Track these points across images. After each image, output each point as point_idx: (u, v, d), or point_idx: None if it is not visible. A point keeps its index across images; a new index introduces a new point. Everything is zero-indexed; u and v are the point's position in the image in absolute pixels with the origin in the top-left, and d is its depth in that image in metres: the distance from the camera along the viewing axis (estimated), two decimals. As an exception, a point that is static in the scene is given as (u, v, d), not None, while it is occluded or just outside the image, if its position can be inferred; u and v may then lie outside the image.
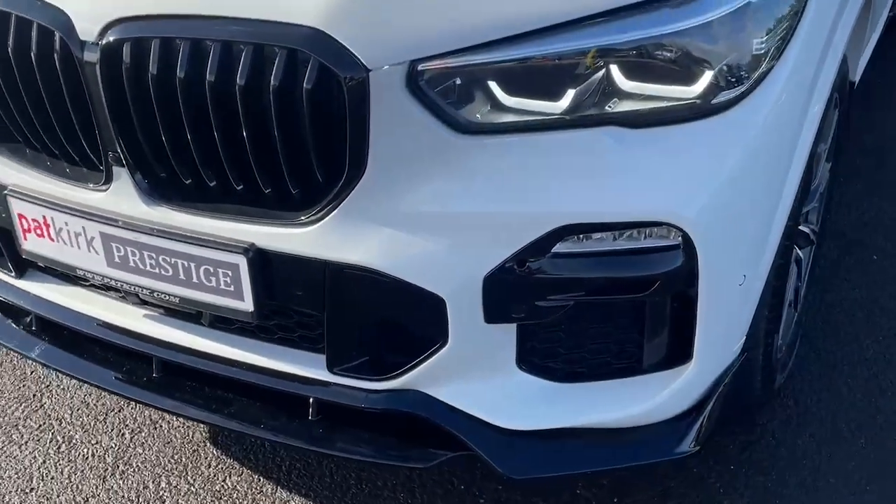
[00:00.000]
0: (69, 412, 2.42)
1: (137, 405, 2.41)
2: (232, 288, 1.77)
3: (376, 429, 1.89)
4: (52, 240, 1.93)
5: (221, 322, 1.94)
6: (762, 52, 1.66)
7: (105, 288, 2.06)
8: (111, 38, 1.66)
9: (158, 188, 1.79)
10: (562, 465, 1.82)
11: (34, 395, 2.48)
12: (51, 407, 2.45)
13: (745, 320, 1.87)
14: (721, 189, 1.65)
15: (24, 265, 2.12)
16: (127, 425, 2.37)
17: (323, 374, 1.85)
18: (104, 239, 1.85)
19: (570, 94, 1.59)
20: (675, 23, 1.58)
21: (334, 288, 1.72)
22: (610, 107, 1.62)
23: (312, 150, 1.62)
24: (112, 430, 2.36)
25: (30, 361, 2.48)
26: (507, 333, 1.75)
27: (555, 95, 1.61)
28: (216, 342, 1.95)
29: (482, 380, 1.80)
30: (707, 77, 1.60)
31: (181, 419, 2.35)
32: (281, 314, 1.82)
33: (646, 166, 1.62)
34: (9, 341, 2.19)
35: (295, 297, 1.77)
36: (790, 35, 1.72)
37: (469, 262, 1.66)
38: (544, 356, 1.80)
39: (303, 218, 1.69)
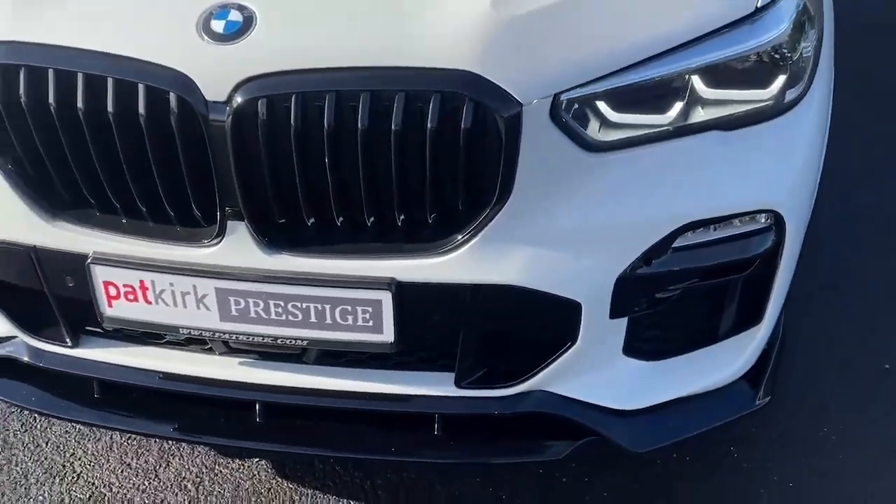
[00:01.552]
0: (114, 476, 2.34)
1: (181, 455, 2.37)
2: (371, 323, 1.82)
3: (496, 432, 2.03)
4: (150, 302, 1.88)
5: (328, 357, 1.99)
6: (809, 54, 1.93)
7: (187, 342, 2.04)
8: (245, 97, 1.66)
9: (276, 237, 1.81)
10: (673, 432, 2.04)
11: (64, 466, 2.37)
12: (90, 475, 2.34)
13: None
14: (798, 173, 1.91)
15: (80, 333, 2.05)
16: (185, 477, 2.33)
17: (451, 391, 1.95)
18: (219, 294, 1.83)
19: (677, 106, 1.78)
20: (756, 38, 1.81)
21: (473, 309, 1.82)
22: (700, 114, 1.83)
23: (462, 182, 1.71)
24: (172, 486, 2.31)
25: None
26: (620, 325, 1.93)
27: (659, 109, 1.79)
28: (325, 377, 1.99)
29: (595, 370, 1.97)
30: (780, 80, 1.85)
31: (236, 459, 2.35)
32: (413, 341, 1.90)
33: (743, 162, 1.85)
34: (81, 416, 2.12)
35: (432, 323, 1.85)
36: (821, 37, 2.00)
37: (602, 267, 1.82)
38: (644, 340, 2.00)
39: (444, 247, 1.78)
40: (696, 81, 1.80)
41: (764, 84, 1.85)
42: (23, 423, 2.49)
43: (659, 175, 1.81)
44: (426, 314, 1.83)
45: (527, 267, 1.79)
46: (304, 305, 1.82)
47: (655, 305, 1.91)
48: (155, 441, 2.41)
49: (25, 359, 2.09)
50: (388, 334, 1.83)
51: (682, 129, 1.81)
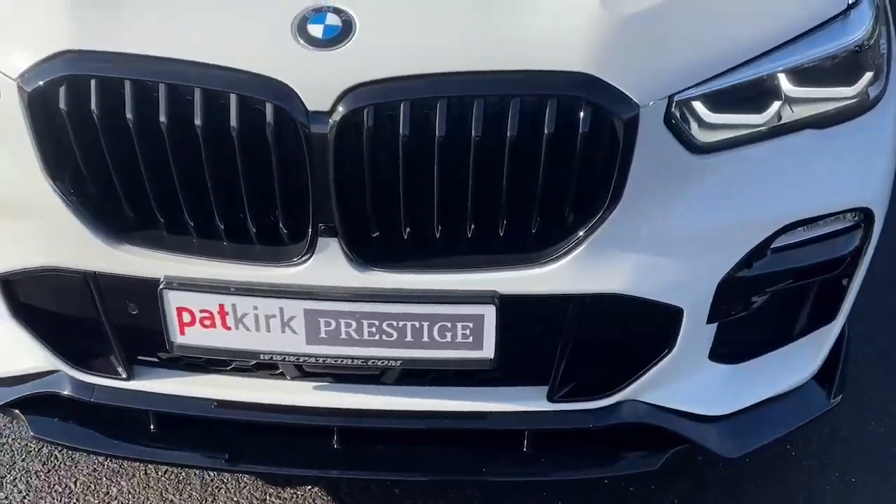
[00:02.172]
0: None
1: (227, 487, 2.23)
2: (471, 339, 1.73)
3: (583, 446, 1.97)
4: (228, 328, 1.75)
5: (410, 376, 1.89)
6: (884, 50, 1.93)
7: (255, 368, 1.92)
8: (350, 106, 1.55)
9: (369, 253, 1.71)
10: (760, 436, 2.01)
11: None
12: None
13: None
14: (884, 169, 1.91)
15: (133, 364, 1.91)
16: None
17: (544, 405, 1.88)
18: (309, 316, 1.72)
19: (774, 106, 1.75)
20: (847, 36, 1.78)
21: (575, 319, 1.76)
22: (792, 113, 1.80)
23: (573, 189, 1.64)
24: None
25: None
26: (710, 330, 1.89)
27: (754, 109, 1.75)
28: (407, 397, 1.89)
29: (684, 377, 1.92)
30: (866, 77, 1.84)
31: (287, 488, 2.22)
32: (512, 356, 1.81)
33: (837, 160, 1.83)
34: (135, 453, 1.98)
35: (533, 336, 1.78)
36: (892, 34, 2.00)
37: (705, 271, 1.77)
38: (726, 344, 1.96)
39: (548, 256, 1.70)
40: (784, 80, 1.77)
41: (850, 81, 1.83)
42: (44, 463, 2.31)
43: (760, 175, 1.77)
44: (528, 328, 1.76)
45: (631, 274, 1.73)
46: (401, 324, 1.72)
47: (748, 308, 1.88)
48: (195, 474, 2.26)
49: (69, 394, 1.94)
50: (487, 350, 1.74)
51: (777, 129, 1.77)
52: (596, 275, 1.72)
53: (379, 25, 1.60)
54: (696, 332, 1.85)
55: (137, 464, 2.28)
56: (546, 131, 1.57)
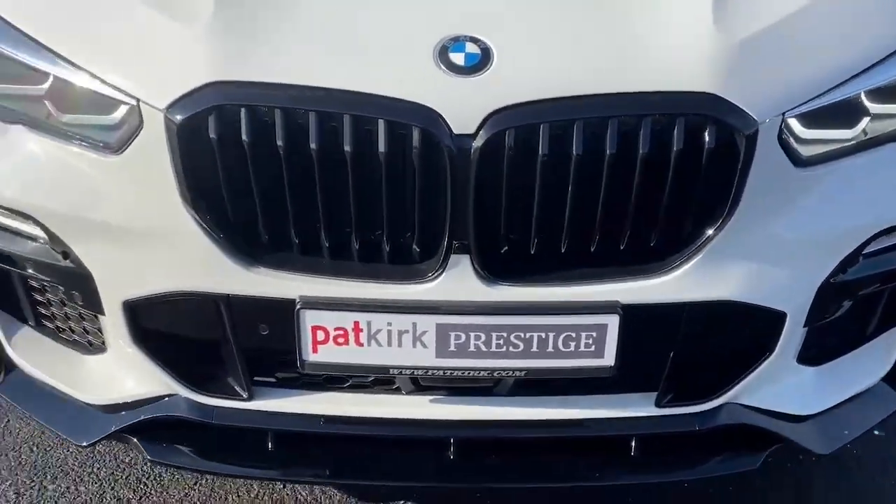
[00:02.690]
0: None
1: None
2: (593, 348, 1.82)
3: (684, 449, 2.06)
4: (361, 344, 1.81)
5: (522, 387, 1.97)
6: None
7: (372, 384, 1.98)
8: (493, 128, 1.64)
9: (498, 268, 1.78)
10: (850, 430, 2.11)
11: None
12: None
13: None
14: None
15: (252, 385, 1.96)
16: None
17: (651, 410, 1.97)
18: (440, 330, 1.79)
19: (863, 122, 1.87)
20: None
21: (689, 326, 1.85)
22: (875, 127, 1.93)
23: (695, 202, 1.75)
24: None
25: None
26: (801, 335, 2.01)
27: (846, 124, 1.88)
28: (520, 407, 1.97)
29: (776, 379, 2.03)
30: None
31: None
32: (629, 363, 1.90)
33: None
34: (256, 472, 2.03)
35: (650, 343, 1.87)
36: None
37: (807, 277, 1.89)
38: (811, 346, 2.08)
39: (666, 267, 1.80)
40: (869, 97, 1.89)
41: None
42: (134, 490, 2.34)
43: (854, 186, 1.89)
44: (644, 336, 1.84)
45: (742, 282, 1.83)
46: (528, 335, 1.80)
47: (837, 311, 2.00)
48: (288, 495, 2.31)
49: (187, 417, 1.98)
50: (608, 358, 1.83)
51: (865, 143, 1.90)
52: (710, 283, 1.82)
53: (514, 52, 1.69)
54: (792, 336, 1.96)
55: (226, 488, 2.32)
56: (675, 148, 1.68)
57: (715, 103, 1.68)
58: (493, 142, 1.65)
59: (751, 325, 1.90)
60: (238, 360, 1.90)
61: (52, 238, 1.89)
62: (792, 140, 1.79)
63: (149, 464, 2.38)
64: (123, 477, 2.36)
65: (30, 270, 1.97)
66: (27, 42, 1.84)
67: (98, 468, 2.39)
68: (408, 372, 1.85)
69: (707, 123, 1.68)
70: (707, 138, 1.68)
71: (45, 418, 2.13)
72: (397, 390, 1.99)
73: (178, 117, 1.68)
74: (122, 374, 2.03)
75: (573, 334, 1.81)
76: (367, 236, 1.77)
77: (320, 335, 1.81)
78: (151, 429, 2.02)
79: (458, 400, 1.97)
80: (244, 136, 1.67)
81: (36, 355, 2.13)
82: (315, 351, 1.82)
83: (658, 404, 1.96)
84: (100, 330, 2.05)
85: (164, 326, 1.92)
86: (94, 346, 2.09)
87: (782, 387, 2.05)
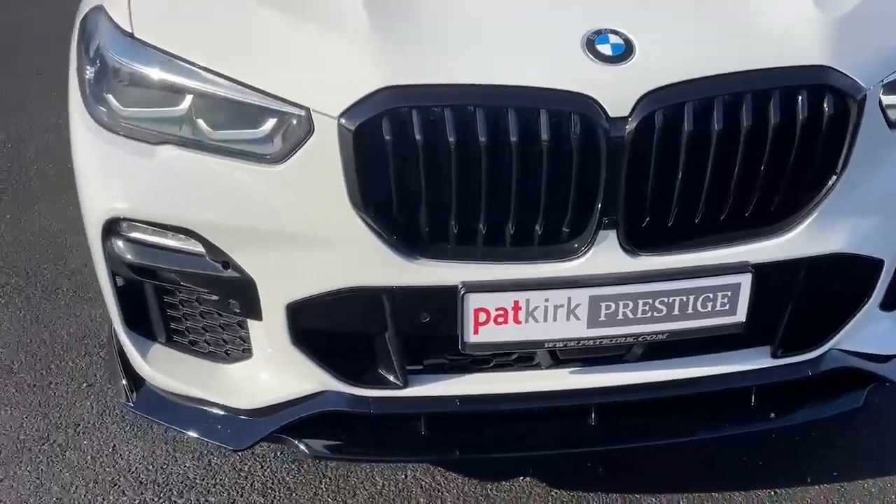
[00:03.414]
0: None
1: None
2: (728, 306, 1.99)
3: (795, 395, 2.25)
4: (519, 322, 1.95)
5: (651, 352, 2.13)
6: None
7: (514, 362, 2.12)
8: (645, 110, 1.80)
9: (640, 240, 1.95)
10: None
11: None
12: None
13: None
14: None
15: (406, 373, 2.07)
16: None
17: (769, 362, 2.16)
18: (592, 301, 1.94)
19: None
20: None
21: (806, 279, 2.05)
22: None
23: (813, 166, 1.94)
24: None
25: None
26: (887, 282, 2.22)
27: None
28: (650, 371, 2.13)
29: (866, 324, 2.25)
30: None
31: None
32: (756, 318, 2.06)
33: None
34: (412, 455, 2.13)
35: (774, 298, 2.05)
36: None
37: (899, 227, 2.12)
38: (891, 293, 2.30)
39: (787, 226, 1.99)
40: None
41: None
42: (264, 495, 2.41)
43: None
44: (770, 291, 2.03)
45: (850, 234, 2.04)
46: (671, 300, 1.97)
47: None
48: (421, 487, 2.42)
49: (344, 410, 2.08)
50: (740, 315, 2.01)
51: None
52: (824, 238, 2.02)
53: (651, 40, 1.86)
54: (882, 284, 2.18)
55: (352, 483, 2.42)
56: (800, 117, 1.87)
57: (832, 75, 1.89)
58: (644, 122, 1.82)
59: (854, 274, 2.11)
60: (396, 350, 2.01)
61: (212, 250, 1.98)
62: (885, 105, 2.01)
63: (269, 468, 2.46)
64: (249, 484, 2.44)
65: (185, 284, 2.05)
66: (175, 63, 1.94)
67: (221, 478, 2.45)
68: (560, 344, 2.00)
69: (826, 92, 1.89)
70: (826, 106, 1.89)
71: (191, 429, 2.21)
72: (537, 366, 2.14)
73: (353, 123, 1.80)
74: (270, 377, 2.12)
75: (710, 295, 1.98)
76: (522, 220, 1.91)
77: (482, 316, 1.94)
78: (301, 427, 2.12)
79: (593, 369, 2.13)
80: (417, 136, 1.79)
81: (173, 370, 2.20)
82: (476, 332, 1.95)
83: (774, 355, 2.15)
84: (242, 338, 2.14)
85: (324, 325, 2.02)
86: (231, 354, 2.17)
87: (868, 332, 2.26)
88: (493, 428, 2.16)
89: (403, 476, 2.44)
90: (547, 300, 1.94)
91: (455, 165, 1.82)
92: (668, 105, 1.82)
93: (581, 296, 1.94)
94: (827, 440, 2.56)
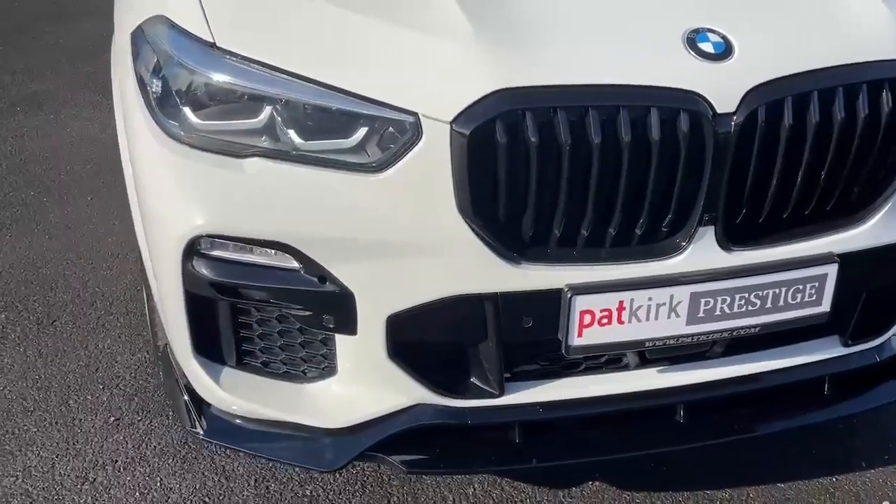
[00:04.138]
0: None
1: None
2: (814, 297, 2.03)
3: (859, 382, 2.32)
4: (622, 322, 1.95)
5: (732, 348, 2.16)
6: None
7: (604, 364, 2.12)
8: (750, 106, 1.83)
9: (734, 235, 1.97)
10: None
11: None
12: None
13: None
14: None
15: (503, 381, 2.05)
16: None
17: (841, 350, 2.21)
18: (693, 298, 1.96)
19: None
20: None
21: (882, 266, 2.11)
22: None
23: (890, 156, 2.01)
24: None
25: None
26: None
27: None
28: (730, 366, 2.16)
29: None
30: None
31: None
32: (838, 308, 2.10)
33: None
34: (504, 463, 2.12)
35: (854, 287, 2.10)
36: None
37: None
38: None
39: (865, 216, 2.05)
40: None
41: None
42: None
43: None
44: (852, 280, 2.08)
45: (919, 221, 2.12)
46: (765, 293, 2.00)
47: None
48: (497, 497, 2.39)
49: (441, 423, 2.04)
50: (825, 305, 2.05)
51: None
52: (896, 226, 2.10)
53: (747, 38, 1.90)
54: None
55: (425, 500, 2.37)
56: (885, 108, 1.93)
57: (913, 68, 1.96)
58: (749, 118, 1.85)
59: (917, 260, 2.20)
60: (496, 357, 1.99)
61: (308, 264, 1.91)
62: None
63: (332, 491, 2.39)
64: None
65: (275, 301, 1.97)
66: (265, 72, 1.88)
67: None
68: (660, 343, 2.00)
69: (903, 87, 1.96)
70: (903, 100, 1.96)
71: (274, 453, 2.12)
72: (625, 367, 2.14)
73: (468, 127, 1.77)
74: (359, 393, 2.06)
75: (800, 287, 2.02)
76: (625, 220, 1.91)
77: (587, 319, 1.93)
78: (391, 444, 2.07)
79: (679, 367, 2.14)
80: (531, 138, 1.78)
81: (250, 393, 2.11)
82: (580, 335, 1.94)
83: (845, 344, 2.22)
84: (325, 355, 2.07)
85: (422, 336, 1.98)
86: (309, 373, 2.11)
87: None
88: (581, 432, 2.16)
89: (472, 490, 2.40)
90: (650, 299, 1.94)
91: (567, 167, 1.81)
92: (770, 100, 1.86)
93: (682, 293, 1.96)
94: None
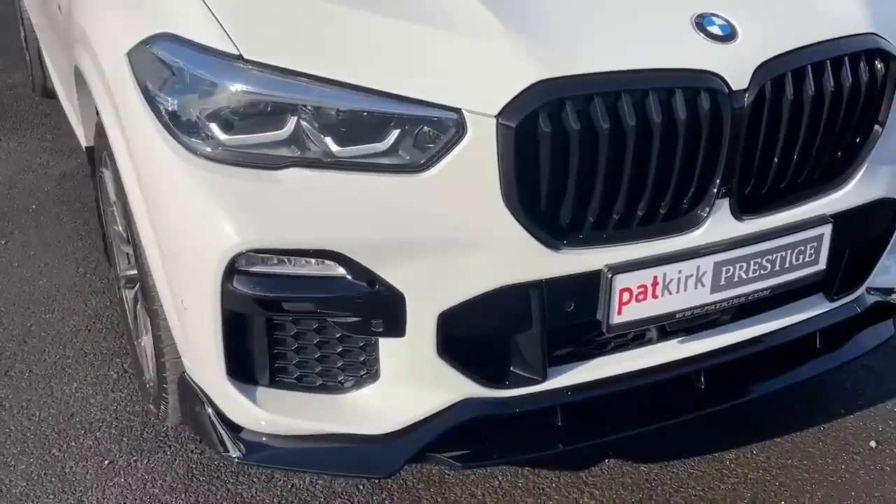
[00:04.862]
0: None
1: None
2: (813, 257, 2.19)
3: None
4: (656, 297, 2.04)
5: (740, 313, 2.29)
6: None
7: (632, 341, 2.21)
8: (760, 81, 1.97)
9: (745, 206, 2.10)
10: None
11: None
12: None
13: None
14: None
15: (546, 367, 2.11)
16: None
17: (827, 305, 2.39)
18: (716, 267, 2.07)
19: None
20: None
21: (860, 226, 2.30)
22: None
23: (866, 121, 2.19)
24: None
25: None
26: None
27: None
28: (736, 331, 2.30)
29: (886, 264, 2.54)
30: None
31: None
32: (828, 265, 2.26)
33: None
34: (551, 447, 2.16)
35: (837, 246, 2.26)
36: None
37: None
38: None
39: (846, 179, 2.22)
40: None
41: None
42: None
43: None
44: (840, 238, 2.25)
45: (890, 181, 2.31)
46: (774, 256, 2.14)
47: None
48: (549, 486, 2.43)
49: (489, 415, 2.08)
50: (821, 263, 2.21)
51: None
52: (873, 186, 2.27)
53: (745, 20, 2.03)
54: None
55: (454, 499, 2.39)
56: (864, 77, 2.11)
57: (880, 41, 2.14)
58: (759, 93, 1.99)
59: (887, 216, 2.39)
60: (540, 344, 2.04)
61: (356, 269, 1.91)
62: None
63: (358, 500, 2.37)
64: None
65: (321, 311, 1.96)
66: (296, 80, 1.88)
67: (312, 523, 2.33)
68: (688, 313, 2.11)
69: (877, 56, 2.14)
70: (879, 66, 2.15)
71: (323, 468, 2.10)
72: (648, 341, 2.24)
73: (514, 119, 1.83)
74: (406, 395, 2.07)
75: (802, 248, 2.17)
76: (653, 199, 2.01)
77: (625, 296, 2.02)
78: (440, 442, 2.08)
79: (696, 336, 2.26)
80: (574, 125, 1.85)
81: (290, 410, 2.08)
82: (620, 313, 2.03)
83: (830, 299, 2.39)
84: (364, 362, 2.07)
85: (469, 331, 2.01)
86: (346, 383, 2.10)
87: (887, 269, 2.57)
88: (616, 407, 2.23)
89: (497, 482, 2.44)
90: (680, 272, 2.05)
91: (605, 151, 1.90)
92: (774, 76, 2.00)
93: (707, 263, 2.07)
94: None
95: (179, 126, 1.95)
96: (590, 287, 2.00)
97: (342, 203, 1.90)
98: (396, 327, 1.97)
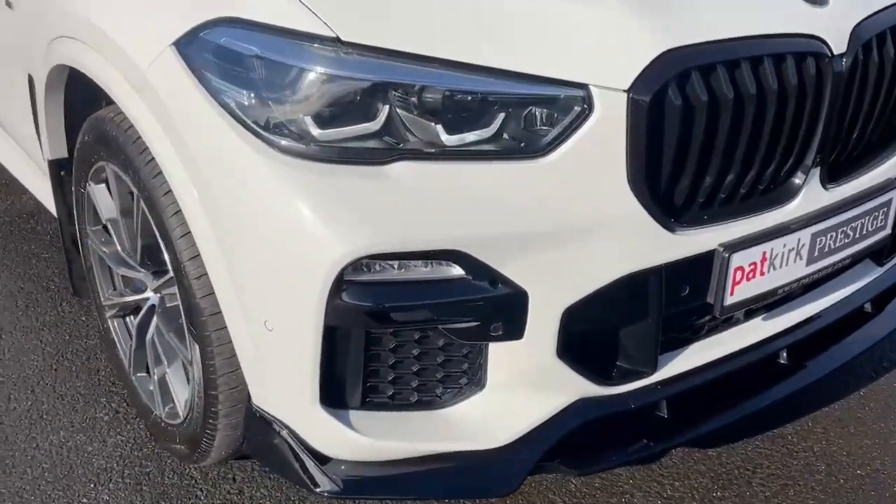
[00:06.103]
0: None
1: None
2: (883, 222, 2.18)
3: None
4: (763, 273, 1.97)
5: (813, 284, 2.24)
6: None
7: (723, 322, 2.12)
8: (856, 44, 1.93)
9: (832, 173, 2.06)
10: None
11: None
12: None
13: None
14: None
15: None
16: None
17: (877, 272, 2.38)
18: (812, 239, 2.02)
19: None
20: None
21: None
22: None
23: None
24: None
25: None
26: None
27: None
28: (812, 302, 2.26)
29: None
30: None
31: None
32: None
33: None
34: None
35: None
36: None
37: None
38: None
39: (899, 142, 2.24)
40: None
41: None
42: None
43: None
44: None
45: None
46: (857, 223, 2.11)
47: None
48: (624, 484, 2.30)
49: (606, 414, 1.94)
50: (889, 227, 2.21)
51: None
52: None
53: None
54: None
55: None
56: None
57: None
58: (855, 57, 1.94)
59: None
60: (655, 333, 1.92)
61: (477, 269, 1.73)
62: None
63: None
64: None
65: (439, 318, 1.77)
66: (406, 63, 1.68)
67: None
68: (787, 288, 2.04)
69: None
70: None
71: (433, 493, 1.90)
72: (736, 322, 2.15)
73: (647, 93, 1.70)
74: (512, 403, 1.90)
75: (877, 213, 2.16)
76: (760, 171, 1.93)
77: (738, 275, 1.93)
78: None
79: (777, 312, 2.19)
80: (701, 96, 1.74)
81: (386, 433, 1.87)
82: (732, 293, 1.94)
83: (879, 264, 2.39)
84: (465, 371, 1.89)
85: (588, 327, 1.86)
86: (444, 396, 1.91)
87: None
88: (716, 394, 2.14)
89: (573, 485, 2.30)
90: (784, 245, 1.98)
91: (728, 122, 1.80)
92: (866, 39, 1.97)
93: (805, 235, 2.01)
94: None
95: (260, 122, 1.70)
96: (703, 268, 1.90)
97: (458, 196, 1.72)
98: (516, 329, 1.79)
